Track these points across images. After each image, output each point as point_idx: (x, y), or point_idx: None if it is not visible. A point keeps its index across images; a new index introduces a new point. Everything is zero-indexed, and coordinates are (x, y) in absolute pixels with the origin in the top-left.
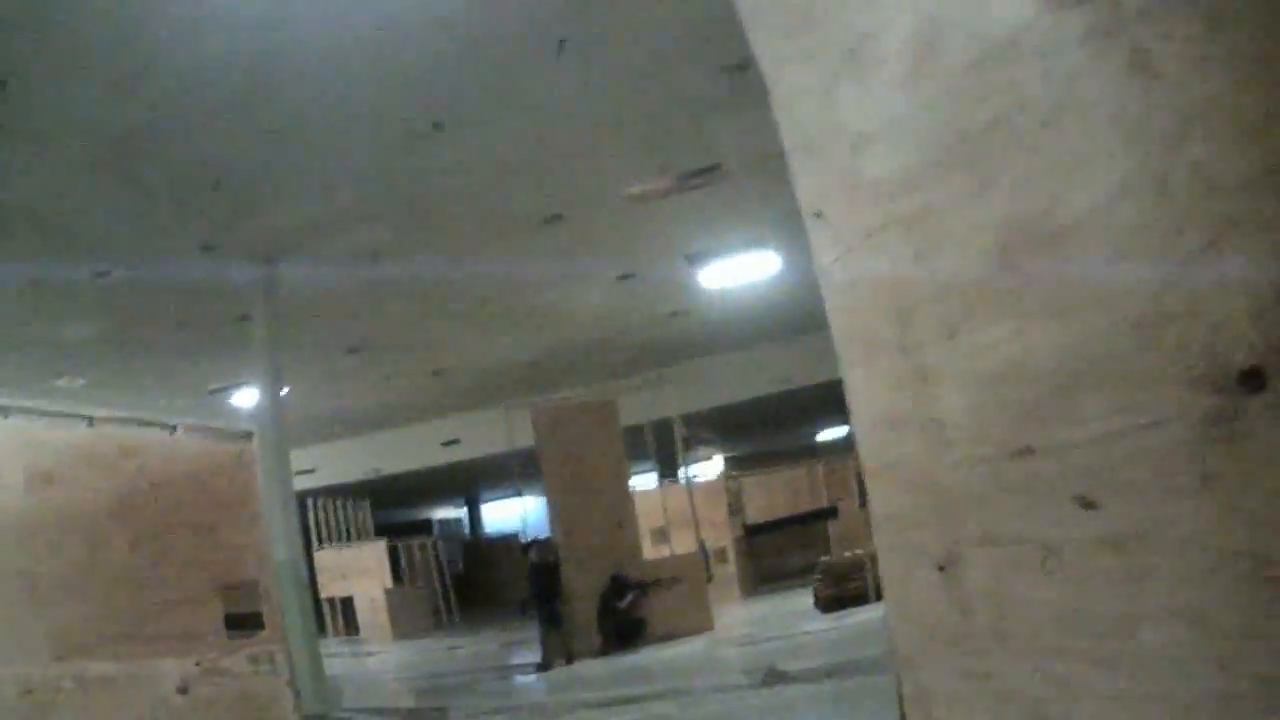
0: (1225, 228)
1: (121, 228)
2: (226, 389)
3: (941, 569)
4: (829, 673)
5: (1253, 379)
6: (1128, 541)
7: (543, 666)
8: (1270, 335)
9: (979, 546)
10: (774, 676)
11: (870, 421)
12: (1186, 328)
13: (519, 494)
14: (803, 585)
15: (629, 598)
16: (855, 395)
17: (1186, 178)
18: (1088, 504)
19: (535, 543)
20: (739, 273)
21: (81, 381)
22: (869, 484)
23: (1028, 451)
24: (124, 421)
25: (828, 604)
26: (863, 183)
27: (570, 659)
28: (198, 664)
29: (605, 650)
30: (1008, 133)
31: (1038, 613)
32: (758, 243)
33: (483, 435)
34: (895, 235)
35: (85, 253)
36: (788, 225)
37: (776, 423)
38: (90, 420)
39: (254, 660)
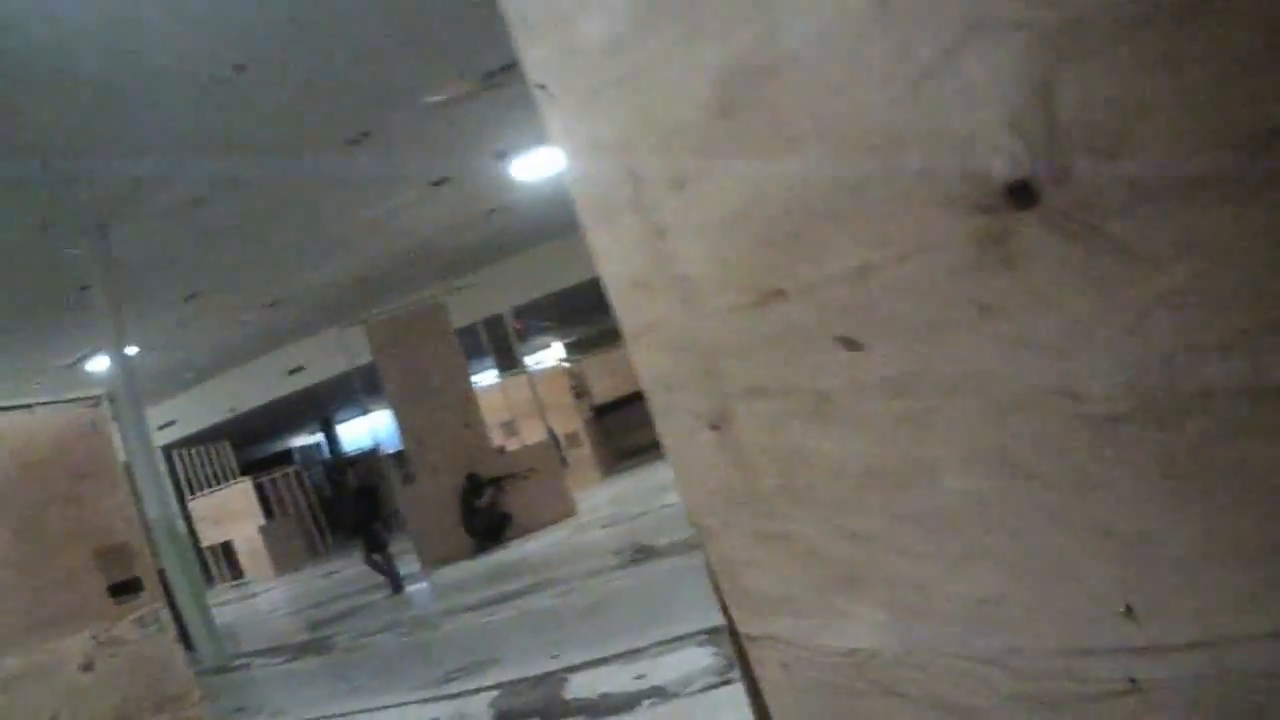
0: (963, 35)
1: None
2: (80, 360)
3: (716, 428)
4: (695, 544)
5: (1021, 193)
6: (904, 383)
7: (395, 588)
8: (1034, 142)
9: (749, 400)
10: (643, 553)
11: (620, 286)
12: (931, 146)
13: (365, 412)
14: (659, 458)
15: (486, 494)
16: (603, 260)
17: None
18: (853, 345)
19: (350, 464)
20: (551, 163)
21: None
22: (632, 349)
23: (779, 295)
24: None
25: None
26: (580, 49)
27: (399, 587)
28: (94, 638)
29: (477, 550)
30: None
31: (824, 467)
32: None
33: (324, 358)
34: (614, 96)
35: None
36: None
37: (608, 304)
38: None
39: (142, 623)
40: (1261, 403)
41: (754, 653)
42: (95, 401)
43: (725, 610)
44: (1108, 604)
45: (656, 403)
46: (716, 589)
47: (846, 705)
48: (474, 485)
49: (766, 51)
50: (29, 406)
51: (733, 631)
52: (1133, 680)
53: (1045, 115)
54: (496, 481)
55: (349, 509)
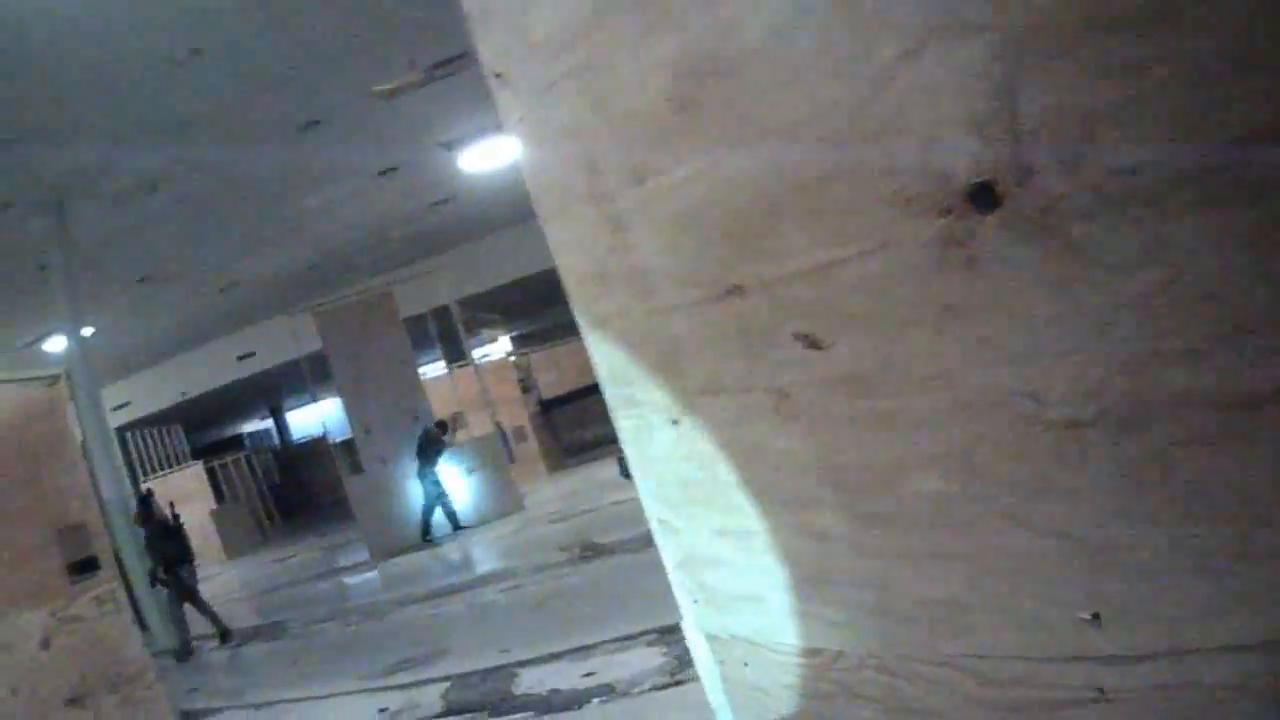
0: (925, 35)
1: None
2: (38, 340)
3: (675, 423)
4: (645, 542)
5: (983, 195)
6: (867, 382)
7: (182, 654)
8: (996, 145)
9: (707, 396)
10: (591, 550)
11: (577, 278)
12: (892, 145)
13: (314, 399)
14: (606, 455)
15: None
16: (559, 253)
17: None
18: (813, 343)
19: (144, 497)
20: (499, 154)
21: None
22: (587, 342)
23: (737, 290)
24: None
25: (630, 470)
26: (535, 39)
27: (189, 651)
28: (53, 614)
29: (423, 530)
30: None
31: (784, 464)
32: None
33: (275, 344)
34: (571, 87)
35: None
36: None
37: (557, 297)
38: None
39: (99, 601)
40: (1226, 412)
41: (716, 651)
42: (53, 380)
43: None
44: (1072, 611)
45: (614, 397)
46: (677, 586)
47: (809, 707)
48: (441, 429)
49: (726, 45)
50: None
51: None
52: (1100, 689)
53: (1008, 117)
54: (443, 424)
55: (154, 545)
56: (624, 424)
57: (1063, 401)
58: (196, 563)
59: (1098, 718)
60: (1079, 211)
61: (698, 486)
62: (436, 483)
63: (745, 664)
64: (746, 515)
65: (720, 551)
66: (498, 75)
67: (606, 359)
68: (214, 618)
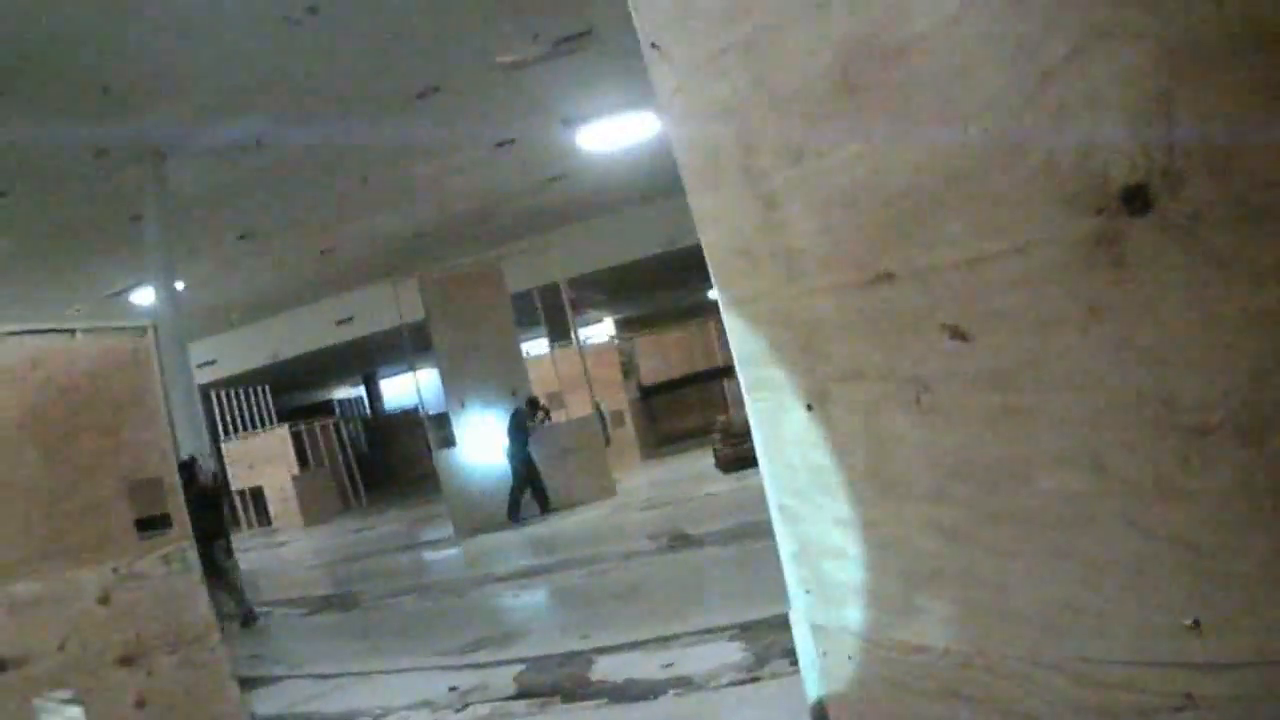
0: (1092, 37)
1: (19, 147)
2: (126, 290)
3: (810, 408)
4: (734, 535)
5: (1136, 198)
6: (1008, 378)
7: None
8: (1152, 150)
9: (846, 382)
10: (679, 540)
11: (722, 253)
12: (1053, 143)
13: (412, 369)
14: (701, 446)
15: (539, 416)
16: (705, 227)
17: None
18: (959, 335)
19: (185, 463)
20: (618, 134)
21: None
22: (726, 319)
23: (887, 277)
24: (29, 333)
25: (728, 464)
26: (697, 10)
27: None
28: (115, 570)
29: (509, 513)
30: None
31: (916, 456)
32: (634, 104)
33: (374, 311)
34: (732, 60)
35: None
36: None
37: (665, 283)
38: None
39: (166, 560)
40: None
41: (821, 643)
42: (141, 332)
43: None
44: (1177, 617)
45: (749, 376)
46: (789, 574)
47: (909, 704)
48: (531, 408)
49: (897, 29)
50: (71, 331)
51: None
52: (1189, 696)
53: (1165, 124)
54: (538, 405)
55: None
56: (755, 405)
57: (1193, 407)
58: (269, 529)
59: None
60: (1224, 220)
61: (826, 473)
62: (526, 461)
63: (849, 657)
64: (872, 505)
65: (840, 541)
66: (655, 46)
67: (744, 338)
68: (240, 598)
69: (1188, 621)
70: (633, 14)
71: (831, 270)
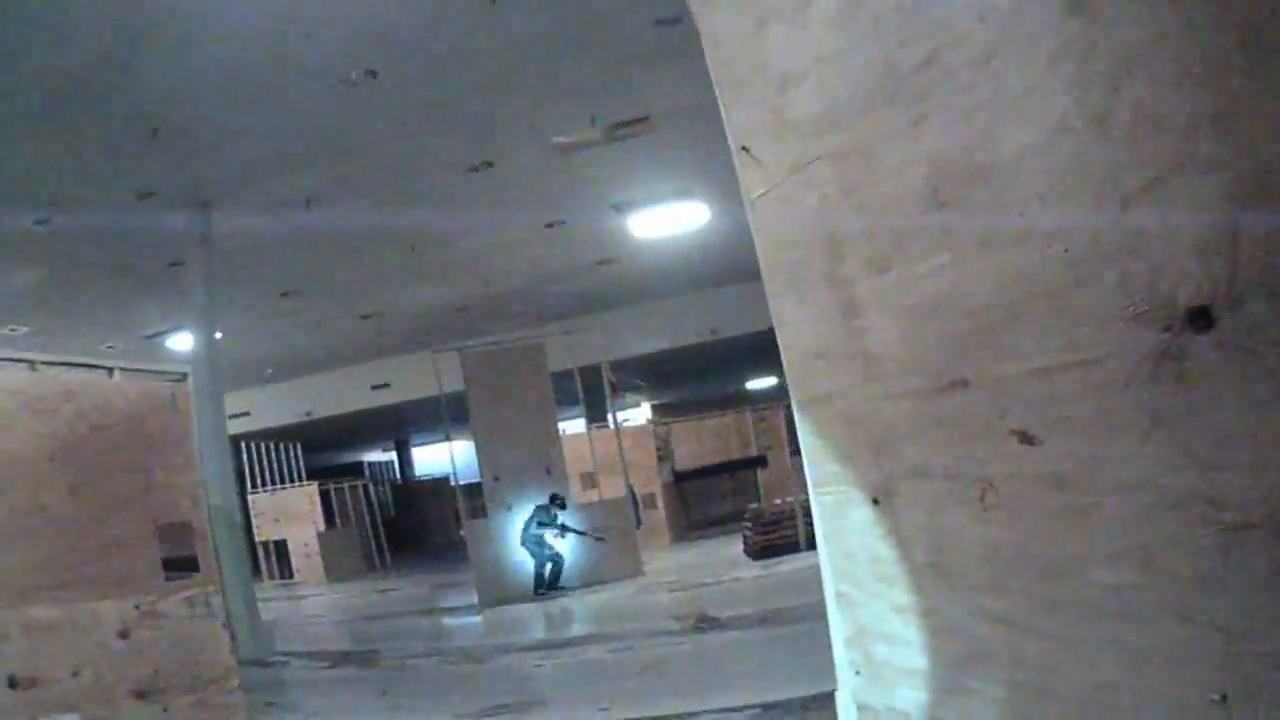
0: (1169, 168)
1: (61, 176)
2: (162, 334)
3: (876, 502)
4: (761, 620)
5: (1200, 317)
6: (1070, 479)
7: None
8: (1217, 274)
9: (913, 480)
10: (705, 623)
11: (800, 354)
12: (1128, 265)
13: (447, 438)
14: (732, 533)
15: (556, 526)
16: (784, 328)
17: (1128, 118)
18: (1026, 439)
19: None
20: (667, 222)
21: (24, 330)
22: (799, 417)
23: (962, 384)
24: (64, 365)
25: (758, 551)
26: (790, 119)
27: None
28: (136, 607)
29: (535, 587)
30: (941, 70)
31: (977, 549)
32: (686, 193)
33: (412, 379)
34: (824, 170)
35: (24, 201)
36: (716, 176)
37: (704, 371)
38: (32, 365)
39: (190, 603)
40: None
41: None
42: (180, 377)
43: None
44: (1205, 694)
45: (818, 471)
46: (841, 657)
47: None
48: (550, 507)
49: (988, 152)
50: (109, 370)
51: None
52: None
53: (1231, 252)
54: (564, 528)
55: None
56: (821, 498)
57: (1238, 506)
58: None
59: None
60: (1277, 339)
61: (886, 563)
62: (540, 544)
63: None
64: (929, 594)
65: (895, 627)
66: (745, 149)
67: (815, 435)
68: None
69: (1215, 696)
70: (724, 117)
71: (908, 375)
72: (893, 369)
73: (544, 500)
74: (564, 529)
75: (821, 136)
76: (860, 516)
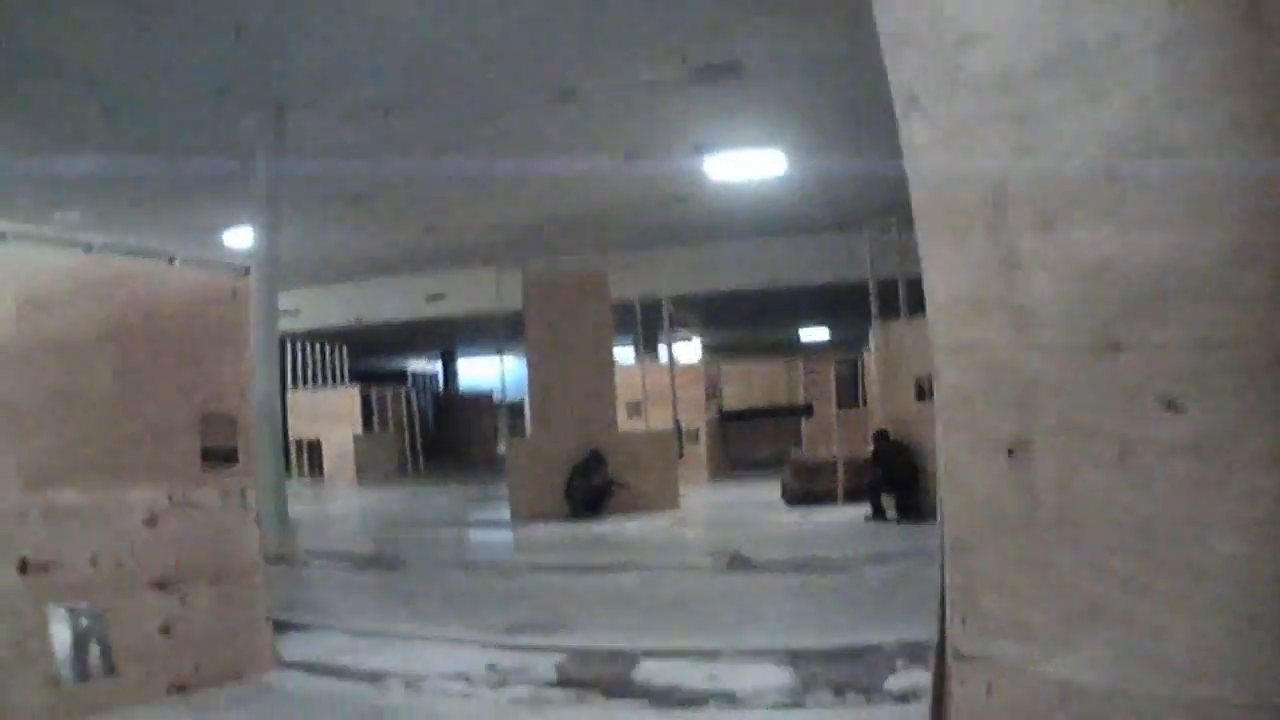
0: None
1: (136, 69)
2: (222, 228)
3: (1010, 453)
4: (794, 566)
5: None
6: (1208, 448)
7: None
8: None
9: (1053, 435)
10: (738, 563)
11: (949, 301)
12: None
13: (499, 353)
14: (769, 477)
15: (598, 475)
16: (935, 274)
17: None
18: (1172, 406)
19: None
20: (744, 167)
21: (77, 215)
22: (940, 362)
23: (1115, 347)
24: (122, 250)
25: (795, 498)
26: (965, 77)
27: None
28: (169, 496)
29: (571, 516)
30: (1122, 50)
31: (1107, 509)
32: (767, 141)
33: (468, 292)
34: (996, 129)
35: (95, 89)
36: (798, 128)
37: (760, 317)
38: (88, 247)
39: (225, 494)
40: None
41: (959, 671)
42: (244, 271)
43: (942, 623)
44: None
45: (952, 417)
46: (941, 601)
47: None
48: (593, 463)
49: (1162, 134)
50: (170, 258)
51: (941, 648)
52: None
53: None
54: (610, 483)
55: None
56: (951, 445)
57: None
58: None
59: None
60: None
61: (1011, 515)
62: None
63: (990, 686)
64: (1051, 548)
65: (1010, 578)
66: (913, 99)
67: (955, 381)
68: None
69: None
70: (887, 63)
71: (1061, 332)
72: (1046, 324)
73: (587, 455)
74: (599, 491)
75: (997, 96)
76: (990, 466)
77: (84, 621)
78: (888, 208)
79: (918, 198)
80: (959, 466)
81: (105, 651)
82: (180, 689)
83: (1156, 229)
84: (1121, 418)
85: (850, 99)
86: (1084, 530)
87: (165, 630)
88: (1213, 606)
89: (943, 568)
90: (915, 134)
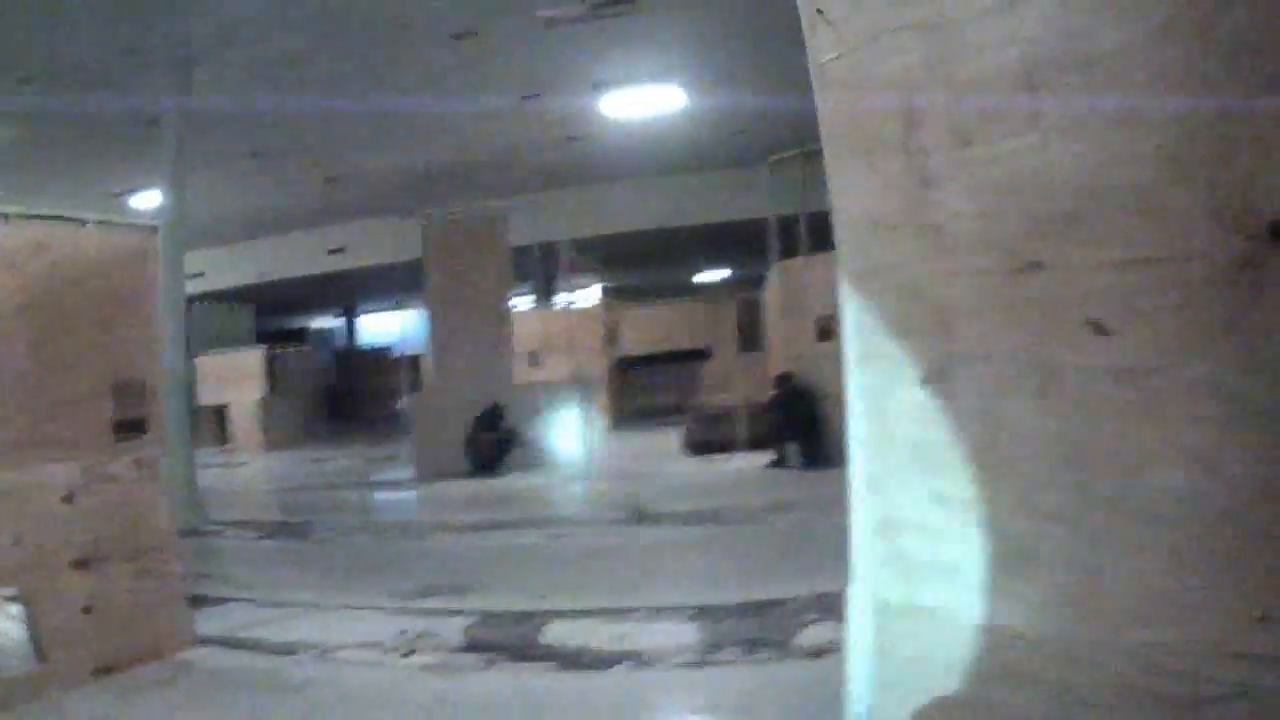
0: (1267, 88)
1: (47, 33)
2: (128, 193)
3: (927, 383)
4: (697, 517)
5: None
6: (1140, 374)
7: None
8: None
9: (972, 362)
10: (641, 515)
11: (860, 223)
12: (1219, 171)
13: (399, 306)
14: (669, 424)
15: (501, 429)
16: (844, 195)
17: (1229, 35)
18: (1099, 329)
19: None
20: (642, 105)
21: None
22: (848, 289)
23: (1036, 266)
24: (35, 217)
25: (696, 447)
26: None
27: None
28: (85, 470)
29: (474, 474)
30: None
31: (1034, 440)
32: (664, 76)
33: (369, 244)
34: (907, 39)
35: (8, 60)
36: (696, 62)
37: (659, 258)
38: (5, 217)
39: (138, 465)
40: None
41: (882, 617)
42: (151, 231)
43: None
44: (1249, 609)
45: (861, 347)
46: (865, 547)
47: (964, 685)
48: (493, 415)
49: (1086, 43)
50: (81, 221)
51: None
52: (1245, 687)
53: None
54: (512, 436)
55: None
56: (862, 378)
57: None
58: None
59: (1236, 715)
60: None
61: (931, 449)
62: (478, 449)
63: (914, 635)
64: (975, 484)
65: (932, 518)
66: (820, 11)
67: (863, 308)
68: None
69: (1257, 614)
70: None
71: (979, 253)
72: (963, 245)
73: (487, 408)
74: (500, 445)
75: (907, 6)
76: (907, 397)
77: (11, 608)
78: (788, 143)
79: (826, 116)
80: (872, 398)
81: (34, 637)
82: (106, 671)
83: (1079, 142)
84: (1046, 342)
85: (751, 30)
86: (1011, 465)
87: (87, 610)
88: (1151, 544)
89: (853, 511)
90: (822, 48)
